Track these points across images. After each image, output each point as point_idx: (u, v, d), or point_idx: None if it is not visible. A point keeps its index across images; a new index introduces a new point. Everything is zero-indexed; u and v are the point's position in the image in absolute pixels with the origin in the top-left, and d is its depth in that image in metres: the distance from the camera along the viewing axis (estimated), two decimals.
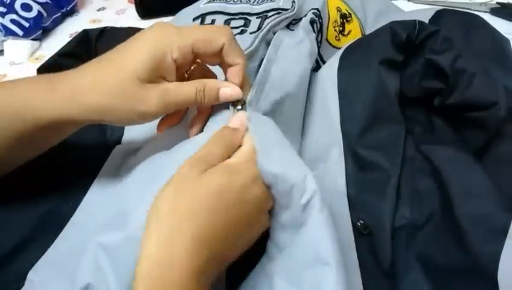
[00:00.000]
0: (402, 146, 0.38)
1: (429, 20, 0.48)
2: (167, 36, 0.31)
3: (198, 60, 0.34)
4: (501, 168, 0.39)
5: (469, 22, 0.48)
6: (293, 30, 0.47)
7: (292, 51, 0.43)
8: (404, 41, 0.40)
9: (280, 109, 0.40)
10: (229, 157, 0.30)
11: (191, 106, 0.34)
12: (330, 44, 0.52)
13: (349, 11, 0.56)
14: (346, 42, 0.51)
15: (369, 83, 0.39)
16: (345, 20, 0.54)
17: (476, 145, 0.40)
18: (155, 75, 0.31)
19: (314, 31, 0.47)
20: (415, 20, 0.41)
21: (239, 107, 0.34)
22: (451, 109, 0.40)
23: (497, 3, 0.64)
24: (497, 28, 0.48)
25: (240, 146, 0.31)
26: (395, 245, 0.34)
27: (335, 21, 0.53)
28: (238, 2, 0.51)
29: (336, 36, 0.53)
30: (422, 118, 0.42)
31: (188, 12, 0.53)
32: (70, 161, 0.37)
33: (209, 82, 0.33)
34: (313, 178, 0.29)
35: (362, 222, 0.30)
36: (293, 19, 0.49)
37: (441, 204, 0.36)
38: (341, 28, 0.54)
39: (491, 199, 0.34)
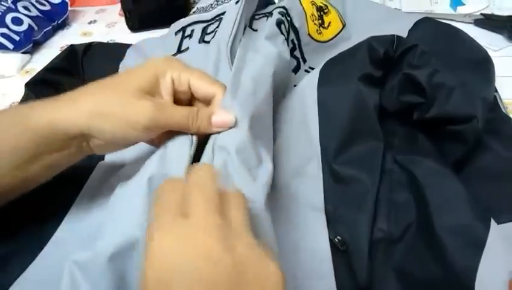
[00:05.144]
0: (380, 161, 0.38)
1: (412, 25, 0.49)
2: (171, 61, 0.35)
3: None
4: (480, 180, 0.39)
5: (448, 31, 0.49)
6: (256, 31, 0.48)
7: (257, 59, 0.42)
8: (382, 56, 0.41)
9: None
10: None
11: (181, 129, 0.34)
12: (313, 38, 0.52)
13: (325, 3, 0.56)
14: (328, 34, 0.53)
15: (348, 98, 0.39)
16: (322, 13, 0.55)
17: (455, 158, 0.40)
18: (154, 88, 0.33)
19: (282, 33, 0.47)
20: (393, 35, 0.41)
21: None
22: (430, 122, 0.41)
23: (481, 14, 0.65)
24: (481, 40, 0.49)
25: None
26: (372, 259, 0.34)
27: (312, 15, 0.53)
28: (210, 8, 0.52)
29: (317, 30, 0.53)
30: (402, 130, 0.43)
31: (172, 29, 0.55)
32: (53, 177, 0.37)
33: (202, 109, 0.35)
34: None
35: (340, 238, 0.30)
36: (256, 14, 0.50)
37: (418, 216, 0.36)
38: (320, 21, 0.54)
39: (468, 211, 0.34)
